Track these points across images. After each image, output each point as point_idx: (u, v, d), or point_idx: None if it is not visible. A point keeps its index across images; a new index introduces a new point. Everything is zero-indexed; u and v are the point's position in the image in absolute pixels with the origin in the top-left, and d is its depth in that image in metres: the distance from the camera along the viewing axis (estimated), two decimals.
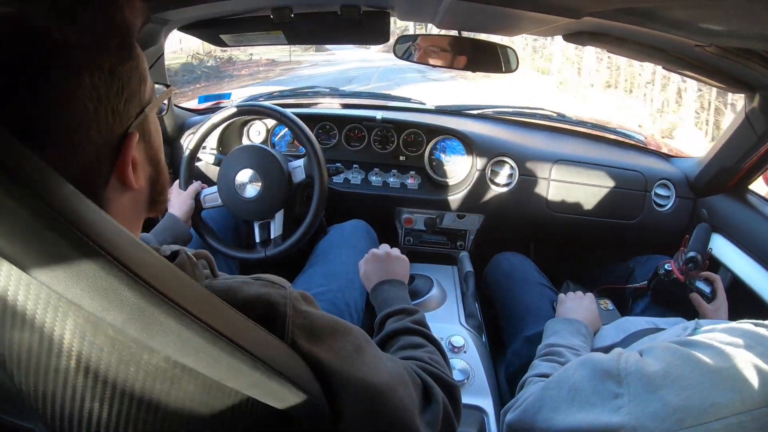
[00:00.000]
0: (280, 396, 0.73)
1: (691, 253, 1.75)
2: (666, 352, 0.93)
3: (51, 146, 0.57)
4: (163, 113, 2.17)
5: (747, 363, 0.82)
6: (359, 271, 1.58)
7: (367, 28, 1.73)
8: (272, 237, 1.96)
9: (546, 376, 1.28)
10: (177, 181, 1.98)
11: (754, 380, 0.80)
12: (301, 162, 1.94)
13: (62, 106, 0.59)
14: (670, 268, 1.81)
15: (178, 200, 1.90)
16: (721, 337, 0.91)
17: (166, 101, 2.23)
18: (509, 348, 1.88)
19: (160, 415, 0.66)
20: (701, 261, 1.75)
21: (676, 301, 1.79)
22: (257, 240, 1.98)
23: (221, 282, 0.79)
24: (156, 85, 0.85)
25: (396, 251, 1.58)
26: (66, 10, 0.60)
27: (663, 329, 1.42)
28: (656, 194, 2.37)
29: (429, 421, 0.97)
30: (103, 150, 0.65)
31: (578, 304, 1.76)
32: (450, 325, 1.86)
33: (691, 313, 1.71)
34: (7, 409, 0.68)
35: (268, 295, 0.79)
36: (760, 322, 0.96)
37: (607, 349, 1.45)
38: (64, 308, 0.57)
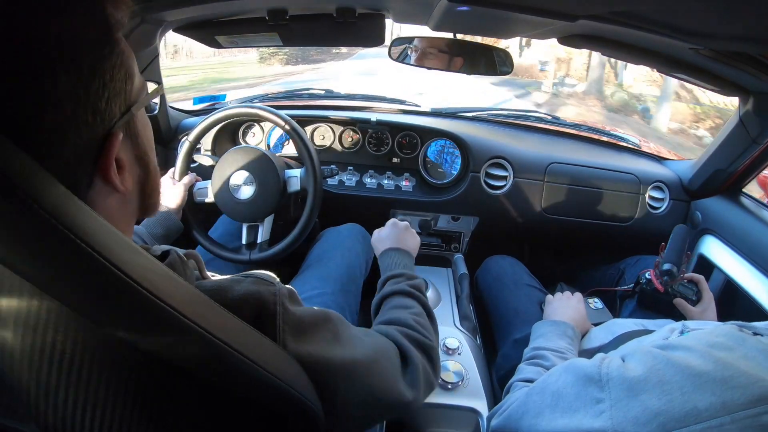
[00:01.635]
0: (274, 397, 0.73)
1: (666, 266, 1.74)
2: (647, 357, 0.93)
3: (28, 149, 0.54)
4: (154, 112, 2.16)
5: (728, 366, 0.82)
6: (372, 237, 1.66)
7: (362, 31, 1.73)
8: (258, 241, 1.96)
9: (530, 381, 1.29)
10: (170, 171, 1.95)
11: (735, 383, 0.80)
12: (297, 173, 1.93)
13: (38, 108, 0.57)
14: (650, 278, 1.81)
15: (172, 192, 1.87)
16: (703, 340, 0.91)
17: (157, 99, 2.23)
18: (499, 351, 1.89)
19: (155, 418, 0.66)
20: (677, 272, 1.73)
21: (660, 308, 1.79)
22: (243, 242, 1.98)
23: (211, 281, 0.80)
24: (149, 83, 0.84)
25: (412, 229, 1.67)
26: (46, 4, 0.59)
27: (652, 331, 1.42)
28: (650, 196, 2.38)
29: (410, 382, 1.05)
30: (83, 151, 0.63)
31: (565, 304, 1.76)
32: (445, 327, 1.85)
33: (678, 315, 1.71)
34: (1, 411, 0.68)
35: (258, 293, 0.79)
36: (744, 324, 0.97)
37: (595, 351, 1.46)
38: (57, 310, 0.57)
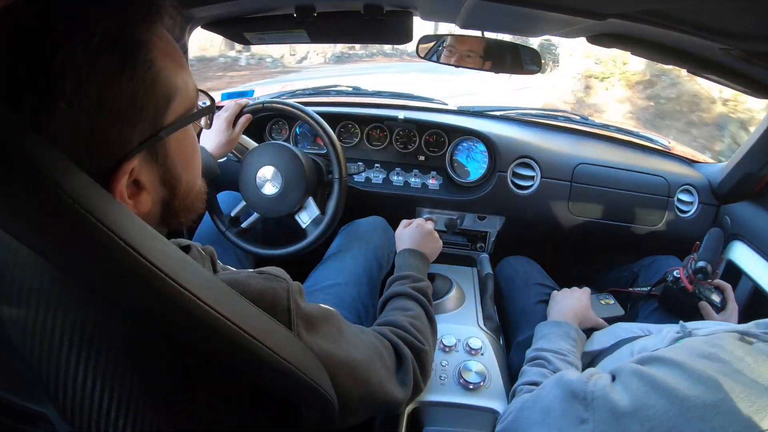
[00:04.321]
0: (288, 384, 0.74)
1: (701, 263, 1.70)
2: (632, 378, 0.90)
3: None
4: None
5: (718, 388, 0.79)
6: (397, 229, 1.75)
7: (390, 28, 1.72)
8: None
9: (534, 383, 1.28)
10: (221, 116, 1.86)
11: (725, 409, 0.76)
12: (311, 217, 1.95)
13: (33, 130, 0.56)
14: (679, 276, 1.77)
15: (223, 137, 1.83)
16: (696, 350, 0.88)
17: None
18: (509, 354, 1.88)
19: (169, 401, 0.67)
20: (711, 271, 1.69)
21: (684, 309, 1.74)
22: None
23: (226, 275, 0.80)
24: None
25: (436, 233, 1.73)
26: (60, 28, 0.59)
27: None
28: (679, 200, 2.34)
29: (402, 380, 1.10)
30: (88, 175, 0.60)
31: (568, 296, 1.76)
32: (468, 327, 1.84)
33: (699, 319, 1.66)
34: (19, 392, 0.69)
35: (272, 290, 0.81)
36: (747, 331, 0.92)
37: (595, 354, 1.46)
38: (77, 292, 0.58)
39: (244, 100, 1.94)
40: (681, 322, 1.26)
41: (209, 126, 0.88)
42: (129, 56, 0.64)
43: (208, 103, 0.86)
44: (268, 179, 1.88)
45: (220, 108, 1.88)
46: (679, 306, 1.78)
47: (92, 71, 0.60)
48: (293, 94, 2.78)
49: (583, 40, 1.68)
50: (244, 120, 1.90)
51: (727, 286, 1.74)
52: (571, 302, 1.71)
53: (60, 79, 0.58)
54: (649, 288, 1.93)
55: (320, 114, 1.91)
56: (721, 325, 1.20)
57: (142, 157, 0.69)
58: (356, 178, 2.41)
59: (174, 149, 0.75)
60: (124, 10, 0.64)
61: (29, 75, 0.57)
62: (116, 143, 0.65)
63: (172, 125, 0.72)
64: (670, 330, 1.23)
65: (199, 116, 0.80)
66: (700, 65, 1.62)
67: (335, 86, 2.91)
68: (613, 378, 0.96)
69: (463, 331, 1.77)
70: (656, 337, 1.27)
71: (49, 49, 0.58)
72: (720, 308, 1.69)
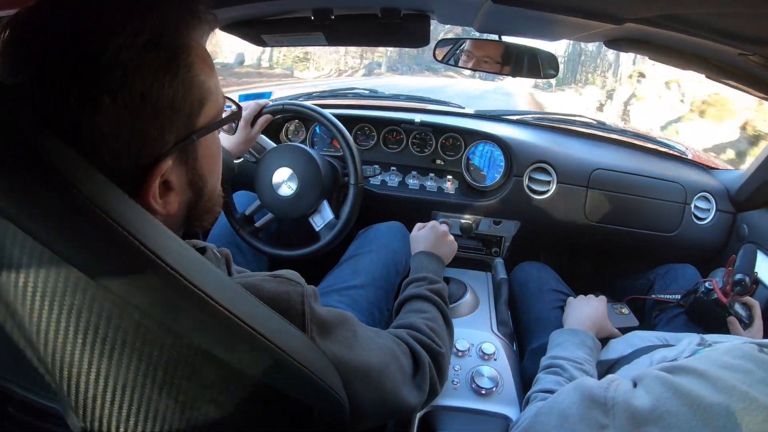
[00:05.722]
0: (299, 386, 0.74)
1: (739, 276, 1.68)
2: (655, 383, 0.88)
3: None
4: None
5: (742, 397, 0.77)
6: (412, 232, 1.77)
7: (407, 31, 1.72)
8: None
9: (549, 391, 1.26)
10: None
11: (746, 417, 0.74)
12: (326, 221, 1.97)
13: (76, 123, 0.59)
14: (711, 287, 1.74)
15: (242, 136, 1.83)
16: (718, 361, 0.86)
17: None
18: (522, 361, 1.86)
19: (181, 400, 0.67)
20: (749, 284, 1.68)
21: (711, 321, 1.73)
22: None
23: (241, 278, 0.82)
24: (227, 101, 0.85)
25: (451, 236, 1.75)
26: (106, 24, 0.61)
27: (672, 345, 1.38)
28: (696, 207, 2.33)
29: (418, 384, 1.09)
30: (121, 174, 0.63)
31: (584, 303, 1.75)
32: (481, 332, 1.83)
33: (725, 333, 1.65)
34: (34, 389, 0.69)
35: (286, 294, 0.82)
36: (763, 342, 0.90)
37: (612, 363, 1.44)
38: (92, 291, 0.59)
39: (263, 101, 1.95)
40: (701, 335, 1.24)
41: (233, 132, 0.90)
42: (172, 58, 0.67)
43: (234, 108, 0.87)
44: (284, 180, 1.89)
45: None
46: (707, 318, 1.76)
47: (138, 69, 0.62)
48: (310, 96, 2.79)
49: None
50: (263, 120, 1.91)
51: (756, 303, 1.72)
52: (588, 310, 1.69)
53: (106, 73, 0.60)
54: (678, 297, 1.91)
55: (337, 116, 1.92)
56: (740, 339, 1.18)
57: (173, 158, 0.71)
58: (372, 180, 2.41)
59: (202, 152, 0.77)
60: (168, 13, 0.67)
61: (77, 67, 0.59)
62: (154, 142, 0.67)
63: (204, 128, 0.74)
64: (690, 341, 1.21)
65: (228, 121, 0.83)
66: (719, 70, 1.61)
67: (352, 89, 2.92)
68: (635, 384, 0.95)
69: (476, 336, 1.76)
70: (676, 348, 1.26)
71: (97, 43, 0.60)
72: (747, 324, 1.68)
